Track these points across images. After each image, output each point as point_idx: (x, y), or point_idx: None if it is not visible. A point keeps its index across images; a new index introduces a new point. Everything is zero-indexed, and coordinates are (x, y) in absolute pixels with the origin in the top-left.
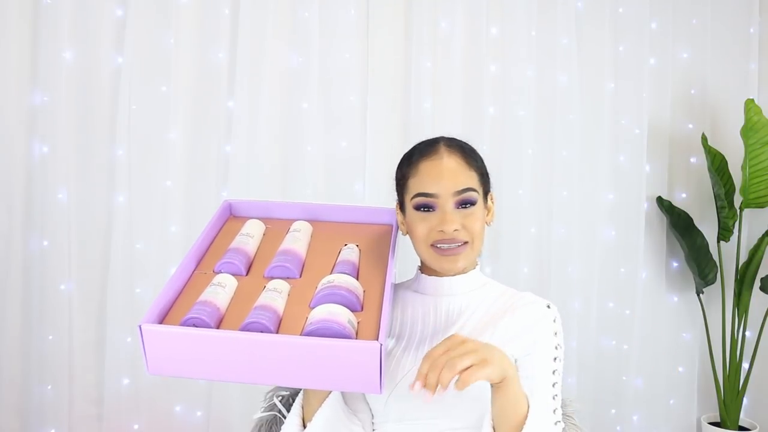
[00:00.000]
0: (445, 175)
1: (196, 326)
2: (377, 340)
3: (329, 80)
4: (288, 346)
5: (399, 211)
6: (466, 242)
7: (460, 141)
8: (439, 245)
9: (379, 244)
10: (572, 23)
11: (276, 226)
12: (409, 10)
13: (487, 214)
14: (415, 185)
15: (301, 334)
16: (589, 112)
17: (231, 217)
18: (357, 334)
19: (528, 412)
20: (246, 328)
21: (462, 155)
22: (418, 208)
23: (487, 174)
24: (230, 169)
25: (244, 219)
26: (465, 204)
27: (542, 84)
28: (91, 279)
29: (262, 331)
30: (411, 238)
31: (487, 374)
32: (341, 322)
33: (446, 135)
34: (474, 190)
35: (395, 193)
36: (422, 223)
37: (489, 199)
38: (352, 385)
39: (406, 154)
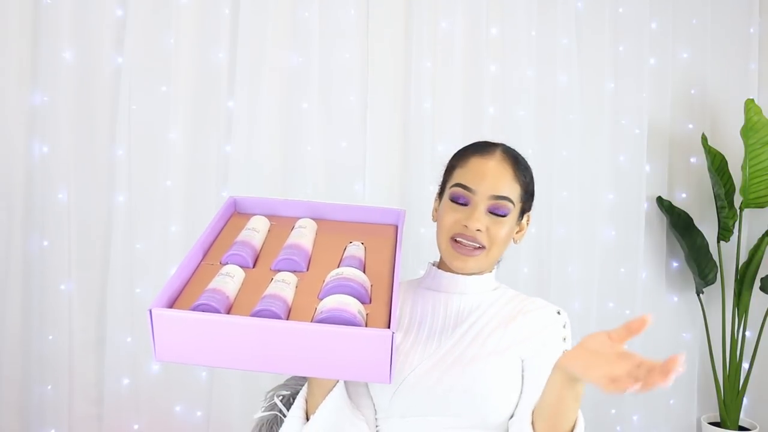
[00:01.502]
0: (488, 176)
1: (206, 312)
2: (389, 328)
3: (329, 80)
4: (299, 332)
5: (437, 198)
6: (483, 247)
7: (519, 154)
8: (458, 239)
9: (383, 243)
10: (572, 23)
11: (280, 223)
12: (409, 10)
13: (518, 232)
14: (459, 175)
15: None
16: (589, 112)
17: (235, 213)
18: (366, 324)
19: (575, 427)
20: (256, 316)
21: (514, 166)
22: (453, 198)
23: (532, 193)
24: (230, 169)
25: (248, 216)
26: (497, 212)
27: (542, 84)
28: (91, 279)
29: (272, 318)
30: (437, 226)
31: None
32: (352, 312)
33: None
34: (511, 201)
35: (440, 180)
36: (451, 213)
37: (525, 218)
38: (362, 374)
39: (464, 147)
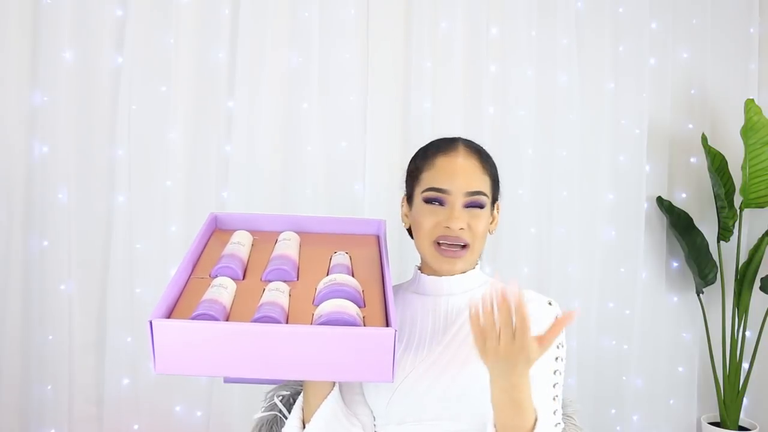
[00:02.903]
0: (460, 174)
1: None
2: (390, 326)
3: (329, 80)
4: (303, 336)
5: (405, 203)
6: (467, 245)
7: (478, 145)
8: (441, 242)
9: (367, 252)
10: (572, 23)
11: (263, 238)
12: (409, 10)
13: (491, 222)
14: (429, 179)
15: None
16: (589, 112)
17: (216, 230)
18: (364, 325)
19: (535, 425)
20: (257, 322)
21: (479, 158)
22: (428, 200)
23: (498, 182)
24: (230, 169)
25: (229, 231)
26: (474, 206)
27: (542, 84)
28: (91, 279)
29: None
30: (414, 231)
31: (483, 359)
32: (351, 314)
33: (464, 137)
34: (485, 194)
35: (403, 185)
36: (430, 217)
37: (495, 208)
38: (365, 374)
39: (422, 147)
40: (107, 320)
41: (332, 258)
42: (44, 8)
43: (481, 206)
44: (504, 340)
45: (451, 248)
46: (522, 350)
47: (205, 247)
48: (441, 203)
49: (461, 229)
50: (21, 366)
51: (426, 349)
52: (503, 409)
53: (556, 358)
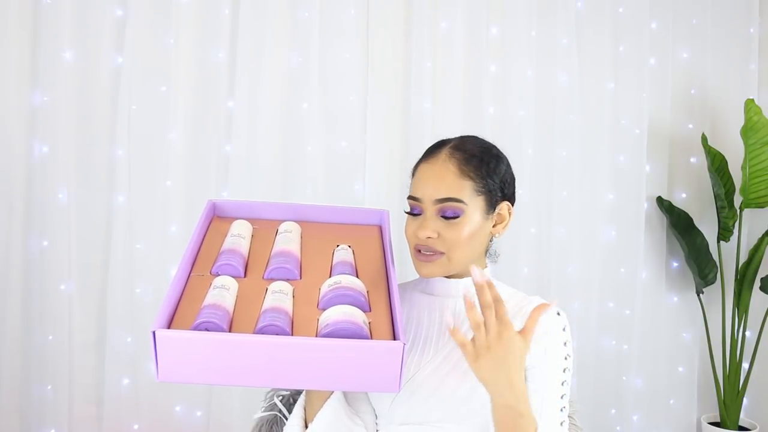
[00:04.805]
0: (430, 181)
1: (209, 330)
2: (396, 338)
3: (329, 80)
4: (310, 347)
5: None
6: (442, 252)
7: (471, 145)
8: (418, 248)
9: (369, 245)
10: (572, 23)
11: (263, 227)
12: (409, 10)
13: (494, 226)
14: (411, 186)
15: (317, 336)
16: (589, 112)
17: (215, 218)
18: (371, 333)
19: None
20: (262, 332)
21: (460, 162)
22: (408, 210)
23: (494, 185)
24: (230, 169)
25: (228, 219)
26: (446, 215)
27: (542, 84)
28: (91, 279)
29: (279, 334)
30: None
31: (474, 368)
32: (358, 323)
33: (468, 134)
34: (458, 200)
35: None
36: (409, 226)
37: (505, 209)
38: (371, 385)
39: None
40: (107, 320)
41: (335, 253)
42: (44, 8)
43: (453, 216)
44: (489, 330)
45: (425, 255)
46: (508, 338)
47: (204, 238)
48: (418, 212)
49: (429, 238)
50: (21, 366)
51: (432, 350)
52: (506, 423)
53: (564, 370)
